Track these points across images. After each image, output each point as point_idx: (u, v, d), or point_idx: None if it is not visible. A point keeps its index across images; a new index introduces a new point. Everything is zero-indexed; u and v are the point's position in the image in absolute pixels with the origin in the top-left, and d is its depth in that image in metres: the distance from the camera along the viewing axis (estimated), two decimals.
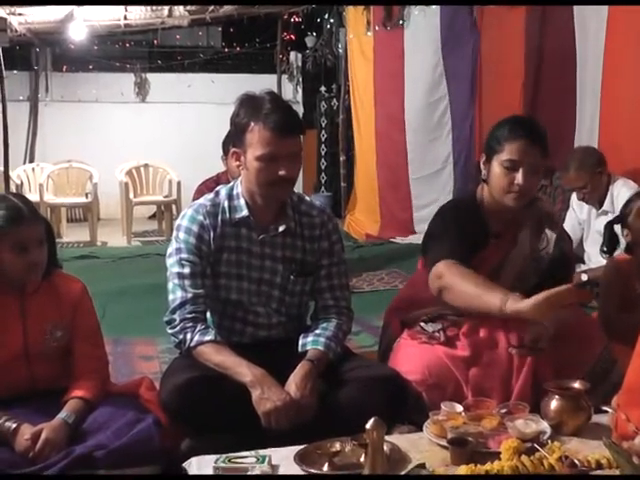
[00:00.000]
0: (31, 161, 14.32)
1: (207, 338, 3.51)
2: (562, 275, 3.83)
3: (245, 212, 3.66)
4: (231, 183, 3.80)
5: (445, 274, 3.59)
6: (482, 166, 3.81)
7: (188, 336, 3.52)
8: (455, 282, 3.55)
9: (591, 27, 6.99)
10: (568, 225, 6.50)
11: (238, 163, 3.63)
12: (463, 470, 2.78)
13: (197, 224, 3.64)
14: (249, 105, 3.57)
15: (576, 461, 2.74)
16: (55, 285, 3.57)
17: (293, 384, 3.39)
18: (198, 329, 3.53)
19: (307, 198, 3.92)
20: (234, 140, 3.66)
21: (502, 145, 3.69)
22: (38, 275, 3.45)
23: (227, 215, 3.67)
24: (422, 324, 3.85)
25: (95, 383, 3.49)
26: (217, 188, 3.81)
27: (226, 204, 3.69)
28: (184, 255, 3.61)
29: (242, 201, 3.68)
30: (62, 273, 3.68)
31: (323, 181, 15.27)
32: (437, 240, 3.80)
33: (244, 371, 3.38)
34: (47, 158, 13.89)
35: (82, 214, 13.76)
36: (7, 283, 3.43)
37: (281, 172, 3.50)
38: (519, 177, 3.64)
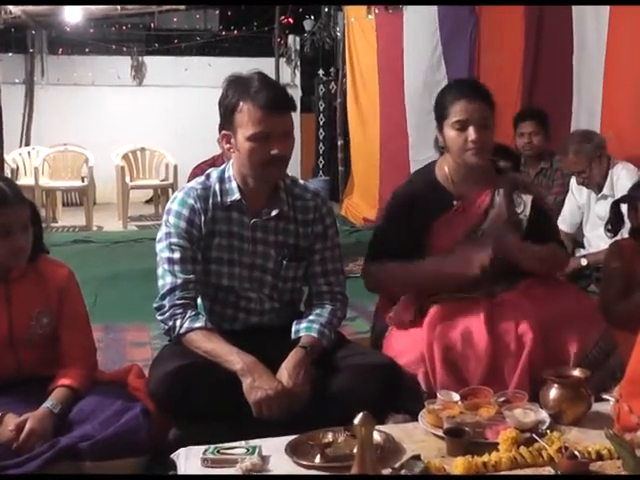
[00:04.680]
0: (27, 144, 14.24)
1: (197, 325, 3.44)
2: (545, 235, 3.95)
3: (237, 195, 3.58)
4: (222, 166, 3.72)
5: (377, 276, 3.97)
6: (438, 135, 3.97)
7: (177, 323, 3.45)
8: (393, 280, 3.92)
9: (590, 11, 6.91)
10: (567, 209, 6.48)
11: (229, 146, 3.56)
12: (459, 461, 2.72)
13: (187, 208, 3.56)
14: (237, 85, 3.50)
15: (576, 452, 2.66)
16: (41, 270, 3.50)
17: (285, 372, 3.32)
18: (188, 316, 3.45)
19: (300, 181, 3.84)
20: (223, 122, 3.57)
21: (448, 109, 3.85)
22: (22, 260, 3.37)
23: (218, 198, 3.60)
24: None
25: (82, 371, 3.43)
26: (208, 171, 3.73)
27: (217, 187, 3.61)
28: (174, 240, 3.54)
29: (234, 184, 3.60)
30: (48, 258, 3.61)
31: (321, 165, 15.20)
32: (374, 238, 4.12)
33: (234, 359, 3.30)
34: (43, 141, 13.78)
35: (78, 198, 13.70)
36: None
37: (274, 151, 3.43)
38: (471, 133, 3.77)
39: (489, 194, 3.92)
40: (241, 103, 3.44)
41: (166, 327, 3.51)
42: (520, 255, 3.78)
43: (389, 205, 4.14)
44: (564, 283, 4.43)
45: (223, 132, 3.57)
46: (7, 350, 3.37)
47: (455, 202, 3.91)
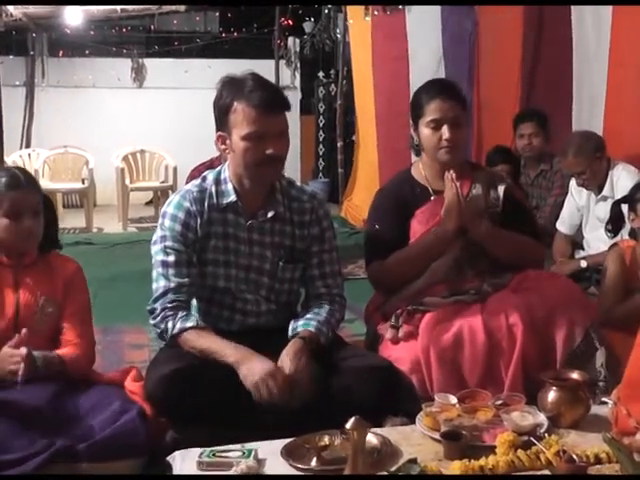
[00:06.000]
0: (27, 146, 14.22)
1: (189, 325, 3.45)
2: (522, 224, 4.06)
3: (233, 197, 3.58)
4: (218, 167, 3.72)
5: (380, 273, 4.05)
6: (413, 134, 4.10)
7: (169, 324, 3.46)
8: (392, 269, 3.99)
9: (589, 12, 6.89)
10: (567, 211, 6.44)
11: (224, 147, 3.56)
12: (456, 465, 2.70)
13: (183, 211, 3.57)
14: (231, 86, 3.51)
15: (574, 456, 2.64)
16: (51, 262, 3.63)
17: (286, 358, 3.33)
18: (179, 316, 3.46)
19: (297, 183, 3.84)
20: (218, 123, 3.58)
21: (423, 109, 3.97)
22: (31, 244, 3.51)
23: (214, 200, 3.60)
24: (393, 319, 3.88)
25: (79, 353, 3.49)
26: (205, 173, 3.73)
27: (213, 189, 3.61)
28: (169, 243, 3.54)
29: (230, 186, 3.60)
30: (60, 253, 3.74)
31: (321, 167, 15.20)
32: (367, 241, 4.23)
33: (229, 352, 3.32)
34: (43, 143, 13.77)
35: (78, 200, 13.67)
36: (3, 251, 3.49)
37: (269, 151, 3.43)
38: (445, 132, 3.91)
39: (466, 188, 4.00)
40: (235, 103, 3.44)
41: (159, 330, 3.52)
42: (488, 239, 3.90)
43: (373, 207, 4.23)
44: (554, 275, 4.45)
45: (218, 133, 3.57)
46: (10, 336, 3.37)
47: (433, 197, 4.03)
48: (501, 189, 4.06)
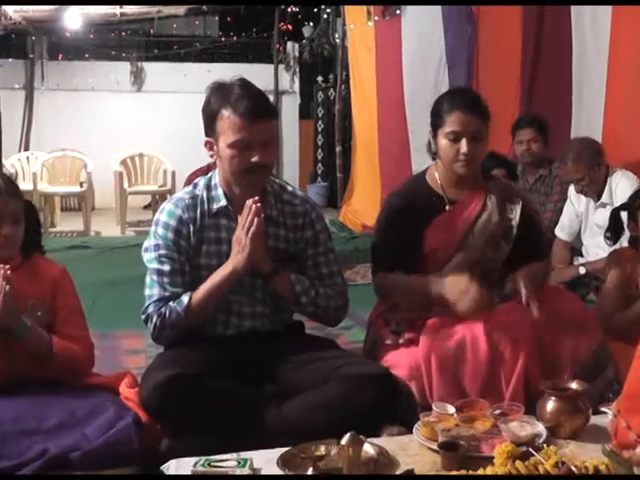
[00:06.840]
0: (26, 149, 14.26)
1: (185, 301, 3.49)
2: (533, 242, 4.05)
3: (223, 202, 3.61)
4: (210, 173, 3.74)
5: (383, 287, 4.03)
6: (431, 141, 4.01)
7: (173, 316, 3.50)
8: (389, 291, 4.00)
9: (589, 18, 6.88)
10: (566, 217, 6.44)
11: (212, 153, 3.60)
12: None
13: (175, 219, 3.58)
14: (219, 93, 3.53)
15: (573, 467, 2.61)
16: (35, 266, 3.60)
17: None
18: (173, 304, 3.51)
19: (289, 187, 3.86)
20: (206, 129, 3.60)
21: (443, 119, 3.90)
22: (10, 250, 3.47)
23: (206, 206, 3.62)
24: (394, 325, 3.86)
25: (75, 349, 3.48)
26: (196, 180, 3.76)
27: (205, 195, 3.64)
28: (163, 251, 3.56)
29: (220, 191, 3.63)
30: (44, 258, 3.70)
31: (320, 171, 15.20)
32: (375, 248, 4.15)
33: (217, 277, 3.50)
34: (42, 147, 13.77)
35: (76, 203, 13.66)
36: None
37: (254, 159, 3.45)
38: (463, 145, 3.84)
39: (481, 199, 3.97)
40: (222, 110, 3.47)
41: (166, 330, 3.53)
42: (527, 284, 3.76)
43: (384, 213, 4.13)
44: (563, 291, 4.42)
45: (206, 139, 3.60)
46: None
47: (447, 206, 3.98)
48: (518, 207, 4.00)
